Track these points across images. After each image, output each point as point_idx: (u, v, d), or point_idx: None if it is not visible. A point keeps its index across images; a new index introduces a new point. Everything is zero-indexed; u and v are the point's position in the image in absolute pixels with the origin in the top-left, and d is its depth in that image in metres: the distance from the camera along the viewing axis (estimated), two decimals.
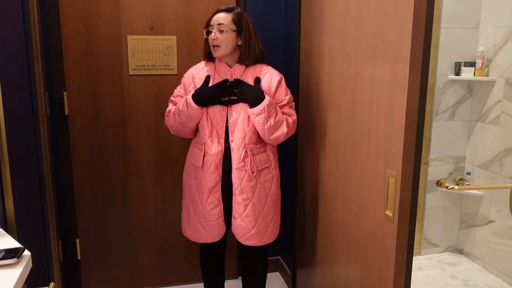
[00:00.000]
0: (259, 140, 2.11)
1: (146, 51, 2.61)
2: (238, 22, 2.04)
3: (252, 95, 2.01)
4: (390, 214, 1.50)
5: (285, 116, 2.07)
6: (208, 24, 2.06)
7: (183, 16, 2.61)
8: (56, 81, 2.49)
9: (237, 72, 2.08)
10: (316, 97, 2.20)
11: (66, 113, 2.55)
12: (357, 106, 1.76)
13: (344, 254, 1.95)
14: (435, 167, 3.28)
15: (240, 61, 2.07)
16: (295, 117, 2.12)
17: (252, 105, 2.01)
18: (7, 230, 1.65)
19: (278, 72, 2.12)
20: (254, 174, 2.10)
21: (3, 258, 1.26)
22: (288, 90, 2.12)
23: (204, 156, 2.11)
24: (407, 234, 1.48)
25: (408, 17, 1.36)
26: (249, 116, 2.05)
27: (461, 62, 3.13)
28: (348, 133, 1.86)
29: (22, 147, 1.95)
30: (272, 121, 2.01)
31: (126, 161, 2.70)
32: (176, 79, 2.64)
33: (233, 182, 2.11)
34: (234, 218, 2.15)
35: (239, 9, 2.09)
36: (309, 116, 2.31)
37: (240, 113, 2.07)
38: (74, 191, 2.66)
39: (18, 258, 1.27)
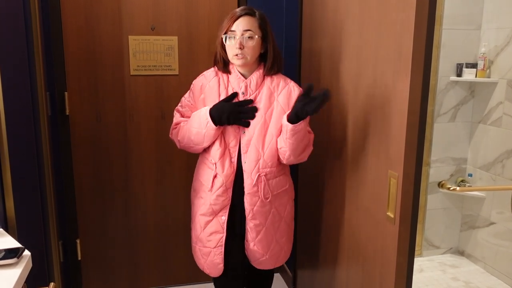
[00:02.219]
0: (276, 163, 1.89)
1: (147, 52, 2.61)
2: (263, 27, 1.84)
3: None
4: (392, 215, 1.50)
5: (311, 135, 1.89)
6: (228, 30, 1.82)
7: (185, 16, 2.61)
8: (57, 81, 2.49)
9: (254, 83, 1.87)
10: None
11: (67, 113, 2.55)
12: (359, 106, 1.76)
13: (345, 256, 1.95)
14: (436, 169, 3.27)
15: (267, 72, 1.87)
16: (313, 134, 1.92)
17: (292, 119, 1.74)
18: (7, 230, 1.65)
19: (297, 85, 1.91)
20: (268, 199, 1.90)
21: (3, 258, 1.26)
22: None
23: (214, 177, 1.90)
24: (408, 235, 1.48)
25: (410, 17, 1.36)
26: (264, 136, 1.86)
27: (463, 63, 3.12)
28: (350, 134, 1.86)
29: (23, 147, 1.95)
30: (305, 138, 1.80)
31: (127, 161, 2.70)
32: (177, 80, 2.64)
33: (245, 207, 1.91)
34: (247, 241, 1.97)
35: (261, 11, 1.89)
36: (310, 117, 2.30)
37: (253, 132, 1.86)
38: (75, 191, 2.66)
39: (18, 258, 1.27)
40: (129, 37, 2.57)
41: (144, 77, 2.64)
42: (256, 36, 1.81)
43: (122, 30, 2.56)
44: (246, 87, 1.86)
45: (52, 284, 1.34)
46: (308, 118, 1.77)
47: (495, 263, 3.12)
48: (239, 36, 1.79)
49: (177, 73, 2.65)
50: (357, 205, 1.80)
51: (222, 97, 1.88)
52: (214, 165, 1.90)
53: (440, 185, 2.89)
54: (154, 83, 2.65)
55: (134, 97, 2.64)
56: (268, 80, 1.88)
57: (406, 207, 1.45)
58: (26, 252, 1.33)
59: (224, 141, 1.89)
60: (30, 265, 1.33)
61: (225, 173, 1.87)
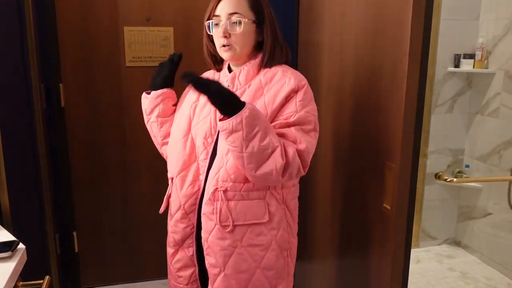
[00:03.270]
0: (243, 178, 1.37)
1: (143, 43, 2.59)
2: (257, 8, 1.42)
3: (223, 95, 1.23)
4: (388, 207, 1.49)
5: (281, 141, 1.29)
6: (212, 15, 1.42)
7: (181, 7, 2.58)
8: (52, 73, 2.46)
9: (243, 75, 1.44)
10: (314, 90, 2.18)
11: (62, 105, 2.53)
12: (356, 98, 1.75)
13: (342, 247, 1.95)
14: (433, 160, 3.27)
15: (264, 63, 1.44)
16: (303, 145, 1.32)
17: (223, 112, 1.25)
18: (2, 223, 1.64)
19: (299, 77, 1.41)
20: (228, 229, 1.39)
21: None
22: (310, 106, 1.39)
23: (169, 197, 1.58)
24: (405, 226, 1.47)
25: (408, 7, 1.34)
26: None
27: (461, 54, 3.11)
28: (347, 125, 1.85)
29: (18, 140, 1.94)
30: (255, 145, 1.24)
31: (123, 154, 2.69)
32: None
33: (201, 234, 1.46)
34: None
35: None
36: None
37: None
38: (71, 183, 2.65)
39: (12, 251, 1.26)
40: (125, 28, 2.54)
41: (140, 68, 2.62)
42: (246, 20, 1.38)
43: (118, 21, 2.53)
44: (233, 79, 1.44)
45: (47, 277, 1.33)
46: (286, 120, 1.34)
47: (491, 253, 3.13)
48: (224, 21, 1.39)
49: None
50: (354, 196, 1.79)
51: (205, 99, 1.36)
52: (171, 180, 1.55)
53: (437, 176, 2.89)
54: (150, 75, 2.60)
55: (129, 89, 2.62)
56: (263, 71, 1.44)
57: (403, 198, 1.45)
58: (21, 245, 1.32)
59: (190, 150, 1.48)
60: (25, 258, 1.32)
61: (183, 193, 1.48)
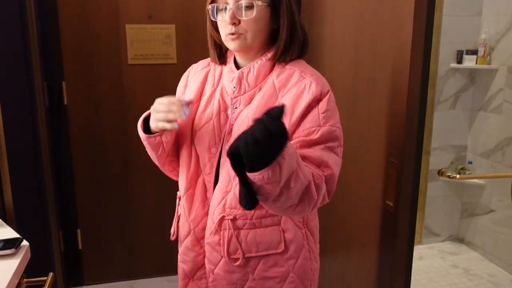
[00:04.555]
0: None
1: (144, 40, 2.59)
2: None
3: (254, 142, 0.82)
4: (391, 204, 1.49)
5: (310, 173, 1.03)
6: None
7: (182, 3, 2.58)
8: (54, 71, 2.47)
9: (253, 75, 1.20)
10: None
11: (65, 103, 2.53)
12: (358, 95, 1.74)
13: (344, 244, 1.95)
14: (436, 156, 3.27)
15: (277, 57, 1.19)
16: (330, 170, 1.10)
17: (250, 162, 0.87)
18: (6, 220, 1.65)
19: (321, 81, 1.17)
20: (238, 263, 1.20)
21: (1, 248, 1.26)
22: (335, 118, 1.17)
23: (178, 218, 1.35)
24: (407, 223, 1.47)
25: (410, 3, 1.34)
26: None
27: (463, 50, 3.10)
28: (349, 122, 1.85)
29: (21, 138, 1.94)
30: (292, 193, 0.96)
31: (125, 151, 2.69)
32: (175, 69, 2.61)
33: (205, 264, 1.27)
34: None
35: None
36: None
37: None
38: (74, 181, 2.65)
39: (16, 248, 1.26)
40: (126, 25, 2.54)
41: (142, 66, 2.61)
42: (259, 2, 1.14)
43: (119, 19, 2.53)
44: (239, 79, 1.20)
45: (50, 274, 1.33)
46: (309, 137, 1.11)
47: (494, 250, 3.12)
48: (232, 4, 1.14)
49: (175, 62, 2.63)
50: (357, 193, 1.79)
51: (206, 97, 1.25)
52: (178, 200, 1.34)
53: (440, 172, 2.89)
54: (152, 72, 2.63)
55: (132, 87, 2.62)
56: (277, 71, 1.20)
57: (406, 195, 1.45)
58: (25, 243, 1.33)
59: (195, 163, 1.24)
60: (29, 255, 1.33)
61: (193, 215, 1.25)
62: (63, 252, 2.59)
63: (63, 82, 2.50)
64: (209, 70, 1.30)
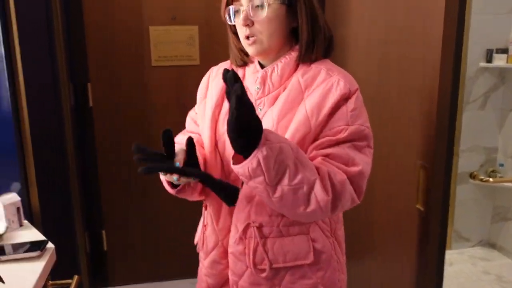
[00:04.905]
0: None
1: (168, 42, 2.59)
2: None
3: (240, 126, 0.89)
4: (422, 208, 1.44)
5: (323, 170, 1.01)
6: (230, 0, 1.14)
7: (205, 5, 2.58)
8: (80, 72, 2.49)
9: (277, 74, 1.15)
10: None
11: (91, 105, 2.55)
12: (387, 97, 1.70)
13: (371, 251, 1.90)
14: (465, 159, 3.17)
15: (301, 57, 1.14)
16: (357, 168, 1.06)
17: (237, 149, 0.95)
18: (32, 222, 1.66)
19: (349, 79, 1.12)
20: (265, 274, 1.13)
21: (27, 250, 1.26)
22: (363, 117, 1.12)
23: (204, 228, 1.27)
24: (439, 228, 1.42)
25: (440, 1, 1.29)
26: None
27: (493, 49, 3.00)
28: (378, 124, 1.80)
29: (47, 139, 1.96)
30: (285, 187, 0.96)
31: None
32: (198, 70, 2.56)
33: (229, 276, 1.20)
34: None
35: None
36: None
37: None
38: (99, 182, 2.67)
39: (41, 251, 1.27)
40: (150, 27, 2.55)
41: (166, 67, 2.62)
42: (272, 1, 1.09)
43: (143, 21, 2.54)
44: (263, 79, 1.14)
45: (76, 277, 1.33)
46: (335, 137, 1.07)
47: None
48: (246, 5, 1.09)
49: (198, 63, 2.63)
50: (386, 197, 1.74)
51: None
52: (204, 208, 1.27)
53: (472, 176, 2.79)
54: (175, 74, 2.64)
55: (155, 88, 2.63)
56: (302, 69, 1.14)
57: (436, 199, 1.39)
58: (50, 245, 1.33)
59: (220, 169, 1.19)
60: (54, 257, 1.33)
61: (221, 226, 1.20)
62: (88, 253, 2.61)
63: (88, 84, 2.52)
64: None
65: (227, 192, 1.12)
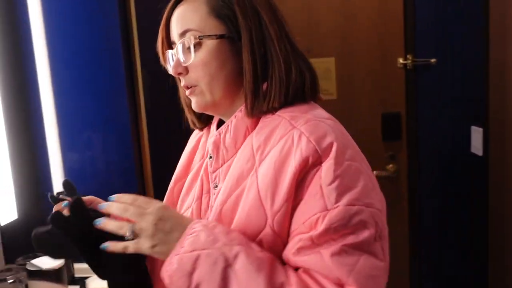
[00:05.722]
0: None
1: None
2: (227, 10, 0.83)
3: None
4: None
5: None
6: (163, 42, 0.91)
7: (341, 34, 2.39)
8: None
9: (231, 136, 0.85)
10: None
11: None
12: None
13: None
14: None
15: (250, 112, 0.83)
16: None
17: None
18: None
19: (319, 130, 0.76)
20: None
21: None
22: (357, 187, 0.72)
23: None
24: None
25: None
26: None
27: None
28: None
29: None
30: None
31: None
32: (335, 105, 2.38)
33: None
34: None
35: None
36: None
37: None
38: None
39: None
40: None
41: None
42: (205, 36, 0.82)
43: None
44: (216, 145, 0.86)
45: None
46: (305, 235, 0.71)
47: None
48: (177, 47, 0.85)
49: (335, 97, 2.41)
50: None
51: (193, 173, 0.96)
52: None
53: None
54: None
55: None
56: (261, 123, 0.84)
57: None
58: None
59: None
60: None
61: None
62: None
63: None
64: (203, 133, 0.99)
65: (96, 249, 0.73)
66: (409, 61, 2.21)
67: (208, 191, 0.89)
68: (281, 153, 0.74)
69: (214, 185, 0.87)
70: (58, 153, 1.70)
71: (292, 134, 0.75)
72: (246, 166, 0.79)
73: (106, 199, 0.77)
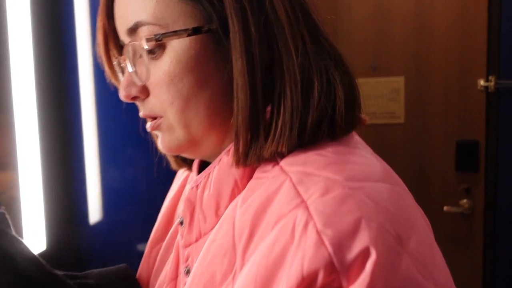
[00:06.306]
0: None
1: (367, 96, 2.22)
2: None
3: None
4: None
5: None
6: (111, 42, 0.59)
7: (413, 51, 2.18)
8: None
9: (210, 190, 0.53)
10: None
11: None
12: None
13: None
14: None
15: (243, 155, 0.49)
16: None
17: None
18: None
19: (361, 221, 0.39)
20: None
21: None
22: None
23: None
24: None
25: None
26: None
27: None
28: None
29: None
30: None
31: None
32: (402, 130, 2.20)
33: None
34: None
35: None
36: None
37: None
38: None
39: None
40: None
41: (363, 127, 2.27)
42: (163, 34, 0.50)
43: None
44: (190, 204, 0.55)
45: None
46: None
47: None
48: (125, 55, 0.54)
49: (402, 121, 2.20)
50: None
51: (169, 236, 0.66)
52: None
53: None
54: (374, 134, 2.26)
55: None
56: (255, 180, 0.51)
57: None
58: None
59: None
60: None
61: None
62: None
63: None
64: (189, 175, 0.68)
65: None
66: (491, 83, 2.00)
67: (176, 277, 0.58)
68: (271, 253, 0.41)
69: (186, 270, 0.56)
70: (97, 171, 1.56)
71: (294, 217, 0.42)
72: (220, 265, 0.47)
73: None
